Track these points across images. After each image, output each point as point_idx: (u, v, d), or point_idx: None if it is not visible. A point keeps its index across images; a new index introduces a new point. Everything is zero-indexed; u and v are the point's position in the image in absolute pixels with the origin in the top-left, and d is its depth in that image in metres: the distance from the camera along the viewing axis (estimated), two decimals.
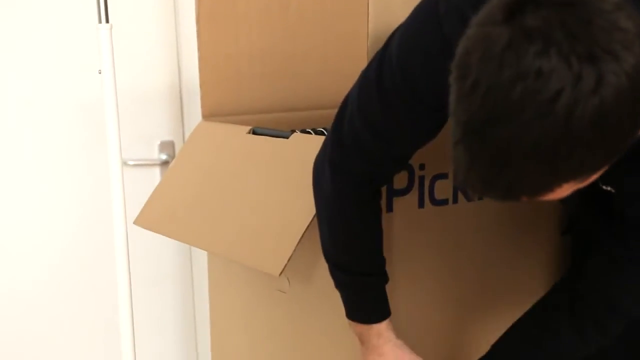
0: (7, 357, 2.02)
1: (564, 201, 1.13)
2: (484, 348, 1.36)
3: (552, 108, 0.70)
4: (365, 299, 1.18)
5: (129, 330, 1.70)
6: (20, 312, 2.01)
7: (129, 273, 1.72)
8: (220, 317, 1.61)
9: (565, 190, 0.78)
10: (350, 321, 1.20)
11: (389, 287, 1.21)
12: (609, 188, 1.01)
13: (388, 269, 1.20)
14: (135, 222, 1.53)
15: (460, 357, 1.35)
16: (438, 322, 1.32)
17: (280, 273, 1.20)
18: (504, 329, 1.37)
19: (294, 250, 1.20)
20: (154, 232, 1.50)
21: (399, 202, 1.24)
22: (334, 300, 1.21)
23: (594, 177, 0.78)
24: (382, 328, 1.18)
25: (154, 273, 2.11)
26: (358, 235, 1.15)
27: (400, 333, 1.25)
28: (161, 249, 2.11)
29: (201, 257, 1.97)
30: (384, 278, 1.18)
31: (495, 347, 1.21)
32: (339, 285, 1.19)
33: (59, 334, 2.06)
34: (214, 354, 1.66)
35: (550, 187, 0.77)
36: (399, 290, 1.25)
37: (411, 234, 1.27)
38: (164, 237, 1.79)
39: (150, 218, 1.51)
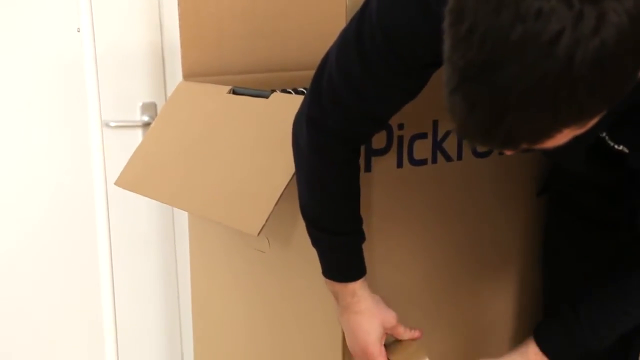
0: None
1: (567, 162, 1.13)
2: (462, 308, 1.38)
3: (553, 50, 0.69)
4: (340, 258, 1.18)
5: (110, 292, 1.71)
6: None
7: (109, 235, 1.72)
8: (201, 277, 1.62)
9: (565, 136, 0.76)
10: (326, 279, 1.20)
11: (365, 248, 1.21)
12: (621, 147, 1.00)
13: (365, 229, 1.20)
14: (116, 183, 1.53)
15: (437, 317, 1.36)
16: (416, 282, 1.33)
17: (259, 233, 1.20)
18: (482, 289, 1.39)
19: (273, 209, 1.20)
20: (135, 192, 1.50)
21: (377, 162, 1.24)
22: (314, 260, 1.21)
23: (593, 122, 0.77)
24: (357, 287, 1.18)
25: (135, 235, 2.12)
26: (334, 193, 1.15)
27: (375, 293, 1.26)
28: (143, 211, 2.11)
29: (183, 217, 1.97)
30: (361, 237, 1.18)
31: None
32: (315, 243, 1.19)
33: (38, 296, 2.07)
34: (195, 313, 1.67)
35: (550, 133, 0.75)
36: (376, 251, 1.26)
37: (390, 194, 1.27)
38: (145, 198, 1.79)
39: (131, 179, 1.51)
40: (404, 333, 1.21)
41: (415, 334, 1.22)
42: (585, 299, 1.14)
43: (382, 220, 1.26)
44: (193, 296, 1.66)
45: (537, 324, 1.18)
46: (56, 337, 2.10)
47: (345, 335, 1.22)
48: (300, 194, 1.18)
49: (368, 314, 1.18)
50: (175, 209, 2.08)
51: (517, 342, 1.25)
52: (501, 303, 1.41)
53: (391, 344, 1.21)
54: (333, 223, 1.17)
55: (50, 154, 1.99)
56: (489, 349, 1.38)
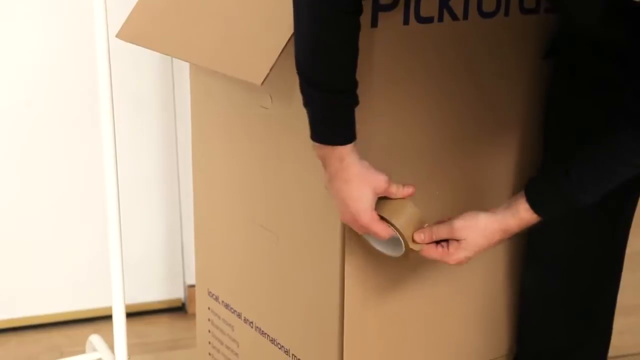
0: None
1: (583, 16, 1.10)
2: (461, 169, 1.39)
3: None
4: (331, 118, 1.16)
5: (112, 153, 1.69)
6: None
7: (112, 95, 1.70)
8: (201, 137, 1.63)
9: None
10: (314, 143, 1.18)
11: (368, 106, 1.21)
12: None
13: (369, 87, 1.21)
14: (117, 36, 1.52)
15: (435, 177, 1.37)
16: (416, 140, 1.33)
17: (262, 82, 1.20)
18: (481, 151, 1.41)
19: (277, 59, 1.19)
20: (137, 44, 1.49)
21: (383, 18, 1.23)
22: None
23: None
24: (345, 152, 1.16)
25: (135, 95, 2.12)
26: (332, 47, 1.13)
27: (377, 156, 1.26)
28: (143, 70, 2.10)
29: (184, 75, 1.96)
30: (354, 99, 1.16)
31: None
32: (307, 101, 1.16)
33: (38, 155, 2.10)
34: (195, 176, 1.68)
35: None
36: (376, 108, 1.26)
37: (395, 51, 1.26)
38: (146, 58, 1.78)
39: (133, 31, 1.50)
40: (397, 192, 1.20)
41: (408, 190, 1.21)
42: (576, 157, 1.16)
43: (384, 76, 1.26)
44: (194, 158, 1.67)
45: (528, 182, 1.20)
46: (59, 179, 2.13)
47: (336, 204, 1.21)
48: (297, 48, 1.15)
49: (358, 181, 1.17)
50: (176, 65, 2.07)
51: None
52: (500, 166, 1.42)
53: (384, 203, 1.21)
54: (328, 79, 1.14)
55: (50, 10, 1.97)
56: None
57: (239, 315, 1.59)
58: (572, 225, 1.33)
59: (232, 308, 1.61)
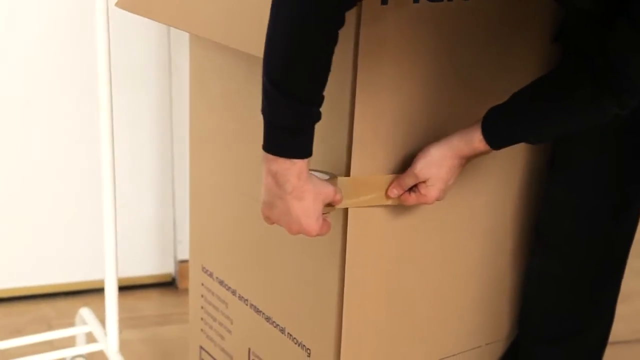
0: None
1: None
2: None
3: None
4: (298, 129, 1.10)
5: (108, 125, 1.67)
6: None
7: (109, 63, 1.68)
8: (199, 111, 1.60)
9: None
10: (267, 157, 1.12)
11: (379, 83, 1.20)
12: None
13: (379, 63, 1.19)
14: (117, 4, 1.49)
15: None
16: (425, 120, 1.32)
17: None
18: None
19: None
20: (135, 13, 1.46)
21: None
22: None
23: None
24: (304, 167, 1.11)
25: (130, 66, 2.09)
26: (316, 56, 1.08)
27: (386, 132, 1.27)
28: (139, 41, 2.08)
29: (183, 48, 1.94)
30: (320, 114, 1.11)
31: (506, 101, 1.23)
32: (273, 108, 1.09)
33: (31, 127, 2.07)
34: (192, 151, 1.66)
35: None
36: (388, 87, 1.25)
37: (405, 28, 1.24)
38: (143, 27, 1.74)
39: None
40: (341, 200, 1.21)
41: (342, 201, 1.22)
42: (535, 109, 1.21)
43: (394, 53, 1.24)
44: (191, 130, 1.64)
45: (486, 117, 1.23)
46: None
47: (281, 220, 1.17)
48: (271, 51, 1.08)
49: (311, 197, 1.14)
50: (173, 35, 2.05)
51: None
52: None
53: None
54: (304, 89, 1.09)
55: None
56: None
57: (234, 292, 1.57)
58: (580, 212, 1.32)
59: (226, 285, 1.59)
